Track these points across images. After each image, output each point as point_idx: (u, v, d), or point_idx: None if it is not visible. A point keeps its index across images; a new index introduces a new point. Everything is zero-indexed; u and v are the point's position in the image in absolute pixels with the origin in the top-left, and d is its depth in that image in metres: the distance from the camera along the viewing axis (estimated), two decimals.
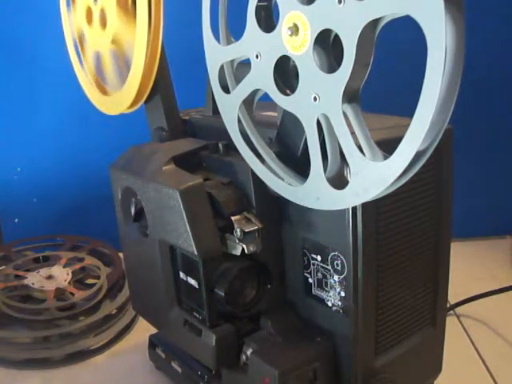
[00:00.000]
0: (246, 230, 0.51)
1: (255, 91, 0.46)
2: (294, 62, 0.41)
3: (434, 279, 0.57)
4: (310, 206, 0.44)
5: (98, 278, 0.87)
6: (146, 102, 0.62)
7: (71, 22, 0.68)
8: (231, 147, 0.53)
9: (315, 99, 0.40)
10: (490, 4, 0.96)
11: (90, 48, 0.66)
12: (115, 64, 0.62)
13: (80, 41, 0.67)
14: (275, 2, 0.41)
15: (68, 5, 0.68)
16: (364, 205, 0.45)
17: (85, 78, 0.69)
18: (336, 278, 0.51)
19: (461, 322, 0.83)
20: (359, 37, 0.35)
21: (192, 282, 0.56)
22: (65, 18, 0.69)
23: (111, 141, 0.99)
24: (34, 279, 0.85)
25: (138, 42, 0.57)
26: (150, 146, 0.61)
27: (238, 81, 0.47)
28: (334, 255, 0.51)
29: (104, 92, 0.66)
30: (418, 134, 0.34)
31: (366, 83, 0.38)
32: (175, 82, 0.62)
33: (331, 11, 0.37)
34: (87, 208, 1.07)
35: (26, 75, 1.01)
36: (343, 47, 0.37)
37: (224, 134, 0.50)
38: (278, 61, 0.42)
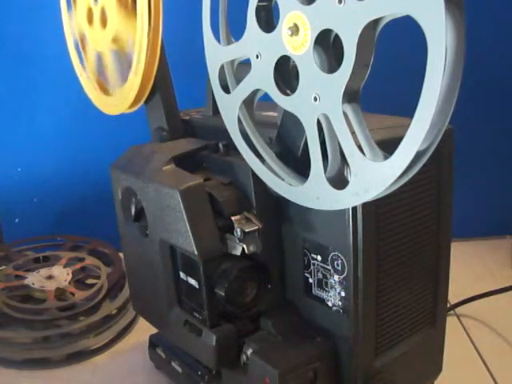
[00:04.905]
0: (246, 230, 0.51)
1: (255, 91, 0.46)
2: (294, 62, 0.41)
3: (434, 279, 0.57)
4: (310, 206, 0.44)
5: (99, 277, 0.87)
6: (145, 102, 0.62)
7: (72, 24, 0.68)
8: (231, 147, 0.53)
9: (315, 99, 0.40)
10: (490, 4, 0.96)
11: (92, 48, 0.66)
12: (117, 63, 0.62)
13: (81, 41, 0.67)
14: (275, 2, 0.41)
15: (69, 7, 0.68)
16: (364, 205, 0.45)
17: (85, 78, 0.69)
18: (336, 278, 0.51)
19: (461, 322, 0.83)
20: (359, 37, 0.35)
21: (192, 281, 0.56)
22: (66, 20, 0.69)
23: (111, 141, 0.99)
24: (35, 279, 0.85)
25: (139, 41, 0.57)
26: (150, 146, 0.61)
27: (238, 81, 0.47)
28: (335, 255, 0.51)
29: (104, 92, 0.66)
30: (419, 134, 0.34)
31: (366, 83, 0.38)
32: (175, 82, 0.62)
33: (331, 11, 0.37)
34: (87, 208, 1.07)
35: (26, 75, 1.01)
36: (343, 47, 0.37)
37: (224, 133, 0.50)
38: (278, 61, 0.42)
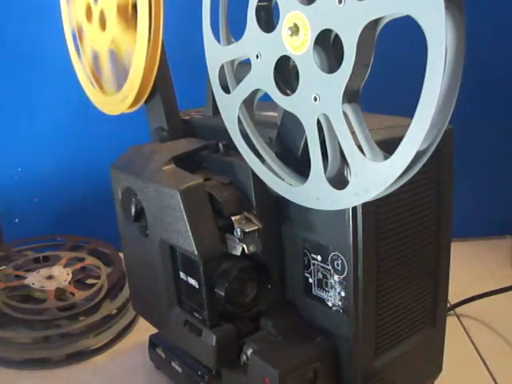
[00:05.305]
0: (247, 230, 0.51)
1: (255, 91, 0.46)
2: (294, 62, 0.41)
3: (434, 279, 0.57)
4: (310, 206, 0.44)
5: (99, 277, 0.87)
6: (146, 101, 0.62)
7: (71, 14, 0.67)
8: (231, 147, 0.53)
9: (315, 99, 0.40)
10: (490, 4, 0.96)
11: (89, 45, 0.65)
12: (112, 64, 0.62)
13: (79, 35, 0.67)
14: (275, 2, 0.41)
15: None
16: (364, 205, 0.45)
17: (85, 78, 0.69)
18: (336, 278, 0.51)
19: (461, 322, 0.83)
20: (359, 37, 0.35)
21: (192, 281, 0.56)
22: (64, 8, 0.68)
23: (111, 141, 0.99)
24: (35, 279, 0.85)
25: (139, 42, 0.57)
26: (150, 146, 0.61)
27: (238, 81, 0.47)
28: (335, 255, 0.51)
29: (104, 92, 0.66)
30: (418, 134, 0.34)
31: (366, 83, 0.38)
32: (175, 82, 0.62)
33: (331, 11, 0.37)
34: (87, 208, 1.07)
35: (26, 75, 1.01)
36: (343, 47, 0.37)
37: (224, 133, 0.50)
38: (278, 61, 0.42)
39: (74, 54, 0.69)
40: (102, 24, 0.61)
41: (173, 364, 0.68)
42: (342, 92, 0.38)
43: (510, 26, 0.99)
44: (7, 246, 0.98)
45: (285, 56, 0.42)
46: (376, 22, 0.35)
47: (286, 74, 0.44)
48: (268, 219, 0.53)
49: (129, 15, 0.58)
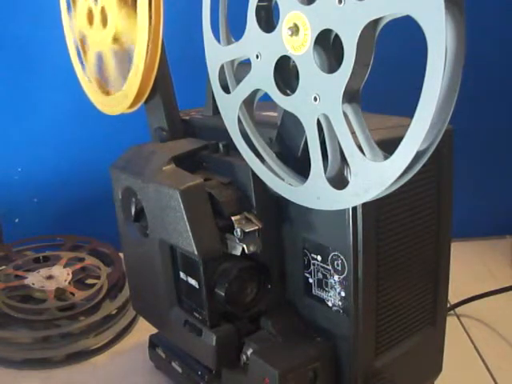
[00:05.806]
0: (247, 230, 0.51)
1: (255, 91, 0.46)
2: (294, 62, 0.41)
3: (434, 279, 0.57)
4: (310, 206, 0.44)
5: (99, 278, 0.87)
6: (145, 101, 0.62)
7: (72, 25, 0.68)
8: (231, 147, 0.53)
9: (315, 99, 0.40)
10: (490, 4, 0.96)
11: (92, 49, 0.66)
12: (117, 63, 0.62)
13: (81, 42, 0.67)
14: (275, 2, 0.41)
15: (69, 9, 0.68)
16: (364, 205, 0.45)
17: (85, 78, 0.69)
18: (336, 278, 0.51)
19: (461, 322, 0.83)
20: (359, 37, 0.35)
21: (192, 282, 0.56)
22: (66, 21, 0.69)
23: (111, 141, 0.99)
24: (35, 279, 0.85)
25: (139, 41, 0.57)
26: (150, 145, 0.61)
27: (238, 81, 0.47)
28: (335, 255, 0.51)
29: (104, 92, 0.66)
30: (419, 134, 0.34)
31: (366, 83, 0.38)
32: (175, 82, 0.62)
33: (331, 11, 0.37)
34: (87, 208, 1.07)
35: (26, 75, 1.01)
36: (343, 47, 0.37)
37: (224, 133, 0.50)
38: (278, 61, 0.42)
39: (77, 62, 0.69)
40: (104, 21, 0.61)
41: (173, 364, 0.68)
42: (342, 92, 0.38)
43: (511, 25, 0.99)
44: (7, 246, 0.98)
45: (285, 56, 0.42)
46: (376, 21, 0.35)
47: (286, 73, 0.44)
48: (268, 219, 0.53)
49: (129, 3, 0.58)
